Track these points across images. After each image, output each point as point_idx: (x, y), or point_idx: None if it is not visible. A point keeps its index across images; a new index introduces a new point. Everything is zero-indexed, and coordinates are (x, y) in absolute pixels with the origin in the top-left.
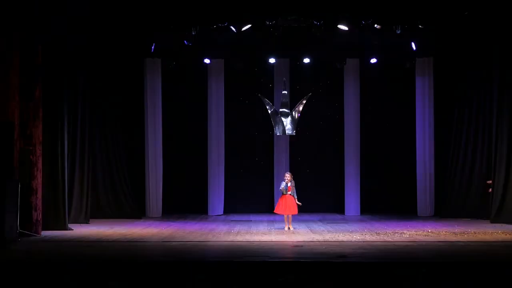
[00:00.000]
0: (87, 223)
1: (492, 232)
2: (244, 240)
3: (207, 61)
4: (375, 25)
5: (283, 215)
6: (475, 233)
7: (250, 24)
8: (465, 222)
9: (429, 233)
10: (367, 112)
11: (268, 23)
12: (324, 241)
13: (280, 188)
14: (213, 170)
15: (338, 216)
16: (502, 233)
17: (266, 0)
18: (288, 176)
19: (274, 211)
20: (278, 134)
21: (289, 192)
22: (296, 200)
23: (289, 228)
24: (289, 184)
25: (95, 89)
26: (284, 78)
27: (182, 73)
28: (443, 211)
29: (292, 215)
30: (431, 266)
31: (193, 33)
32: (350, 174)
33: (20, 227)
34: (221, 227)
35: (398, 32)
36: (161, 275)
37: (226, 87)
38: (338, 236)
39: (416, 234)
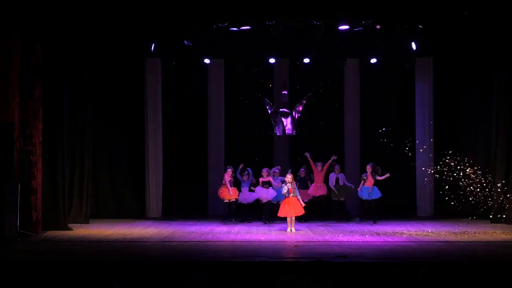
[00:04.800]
0: (87, 223)
1: (492, 232)
2: (244, 240)
3: (207, 61)
4: (375, 25)
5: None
6: (475, 233)
7: (250, 24)
8: (465, 222)
9: (429, 233)
10: (367, 112)
11: (268, 23)
12: (324, 241)
13: (283, 192)
14: (213, 170)
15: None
16: (502, 233)
17: (266, 0)
18: (289, 177)
19: (278, 215)
20: (278, 134)
21: (291, 194)
22: (300, 200)
23: (291, 230)
24: (289, 186)
25: (95, 89)
26: (284, 78)
27: (182, 73)
28: (443, 211)
29: (295, 216)
30: (431, 266)
31: (193, 33)
32: (350, 174)
33: (20, 227)
34: (221, 227)
35: (398, 32)
36: (161, 275)
37: (226, 87)
38: (338, 236)
39: (416, 234)
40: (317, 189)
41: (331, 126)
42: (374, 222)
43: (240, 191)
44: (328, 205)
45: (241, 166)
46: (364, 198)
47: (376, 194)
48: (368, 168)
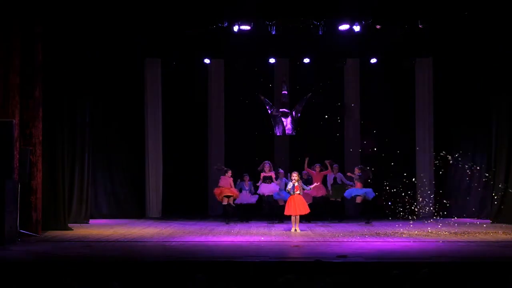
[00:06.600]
0: (87, 223)
1: (492, 232)
2: (244, 240)
3: (207, 61)
4: (375, 25)
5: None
6: (475, 233)
7: (250, 24)
8: (465, 222)
9: (429, 233)
10: (367, 112)
11: (268, 23)
12: (324, 241)
13: (287, 188)
14: (213, 170)
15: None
16: (502, 233)
17: (266, 0)
18: (295, 175)
19: (285, 213)
20: (278, 134)
21: (297, 192)
22: (309, 188)
23: (295, 229)
24: (296, 184)
25: (95, 88)
26: (284, 78)
27: (182, 73)
28: (443, 211)
29: (300, 215)
30: (431, 266)
31: (193, 33)
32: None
33: (20, 227)
34: (221, 227)
35: (398, 32)
36: (161, 275)
37: (226, 87)
38: (338, 236)
39: (416, 234)
40: (317, 189)
41: (331, 126)
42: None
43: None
44: (325, 206)
45: (238, 181)
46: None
47: (371, 194)
48: (357, 170)
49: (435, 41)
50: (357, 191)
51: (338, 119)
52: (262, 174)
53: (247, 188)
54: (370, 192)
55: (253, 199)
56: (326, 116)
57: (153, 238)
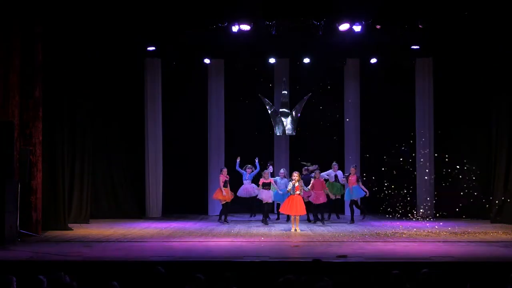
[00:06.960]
0: (87, 223)
1: (492, 232)
2: (244, 240)
3: (207, 61)
4: (375, 25)
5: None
6: (475, 233)
7: (250, 24)
8: (465, 222)
9: (429, 233)
10: (367, 112)
11: (268, 23)
12: (324, 241)
13: (288, 188)
14: (213, 170)
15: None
16: (502, 233)
17: (266, 0)
18: (295, 175)
19: (280, 210)
20: (278, 134)
21: (297, 192)
22: (309, 188)
23: (295, 229)
24: (296, 184)
25: (95, 88)
26: (284, 78)
27: (182, 73)
28: (443, 211)
29: (299, 215)
30: (431, 266)
31: (193, 33)
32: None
33: (20, 227)
34: (221, 227)
35: (398, 32)
36: (161, 275)
37: (226, 87)
38: (338, 236)
39: (416, 234)
40: (318, 197)
41: (331, 126)
42: (364, 217)
43: (242, 184)
44: (325, 208)
45: (238, 159)
46: (346, 199)
47: (359, 193)
48: (352, 169)
49: (435, 41)
50: (351, 195)
51: (337, 116)
52: (262, 181)
53: (247, 178)
54: (359, 192)
55: (253, 190)
56: (328, 124)
57: (153, 238)
